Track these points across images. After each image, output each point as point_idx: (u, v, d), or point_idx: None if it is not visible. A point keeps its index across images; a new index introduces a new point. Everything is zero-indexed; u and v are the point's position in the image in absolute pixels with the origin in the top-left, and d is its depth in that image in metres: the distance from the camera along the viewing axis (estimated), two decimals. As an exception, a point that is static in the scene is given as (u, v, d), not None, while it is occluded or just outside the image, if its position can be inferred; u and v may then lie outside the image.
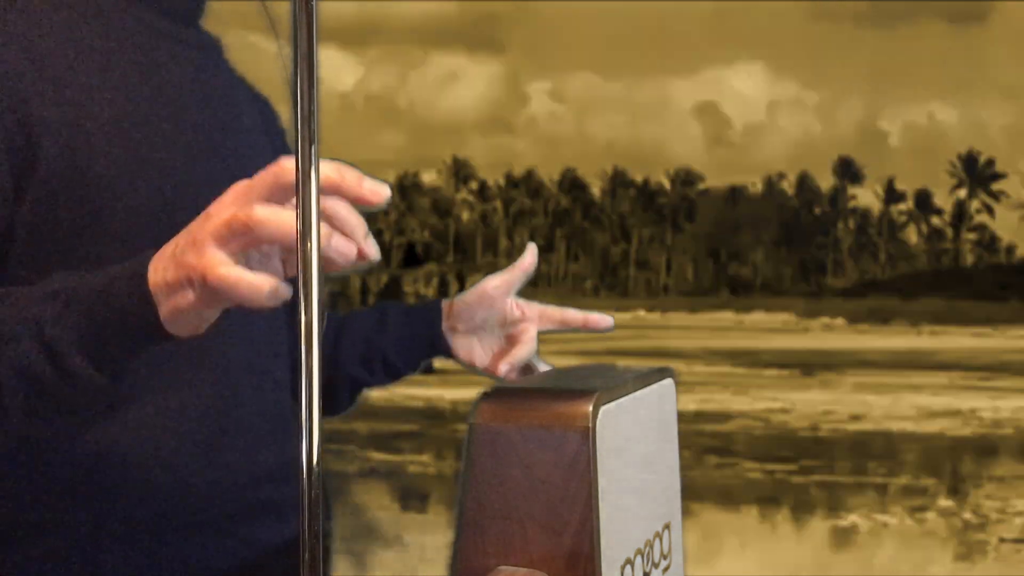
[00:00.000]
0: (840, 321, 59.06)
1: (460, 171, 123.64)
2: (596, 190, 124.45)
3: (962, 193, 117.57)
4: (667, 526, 0.98)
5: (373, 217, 0.85)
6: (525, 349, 1.33)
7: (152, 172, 1.09)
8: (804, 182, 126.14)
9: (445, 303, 1.37)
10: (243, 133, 1.23)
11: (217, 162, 1.17)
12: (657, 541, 0.94)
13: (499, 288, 1.33)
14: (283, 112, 1.37)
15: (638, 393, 0.91)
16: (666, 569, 0.96)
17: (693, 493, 8.99)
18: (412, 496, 9.59)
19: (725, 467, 11.11)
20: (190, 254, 0.83)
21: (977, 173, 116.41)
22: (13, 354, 0.89)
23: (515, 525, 0.79)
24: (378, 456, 11.41)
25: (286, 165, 0.81)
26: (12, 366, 0.90)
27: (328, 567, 1.18)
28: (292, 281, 0.81)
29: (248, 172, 0.91)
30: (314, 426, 0.71)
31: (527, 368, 1.34)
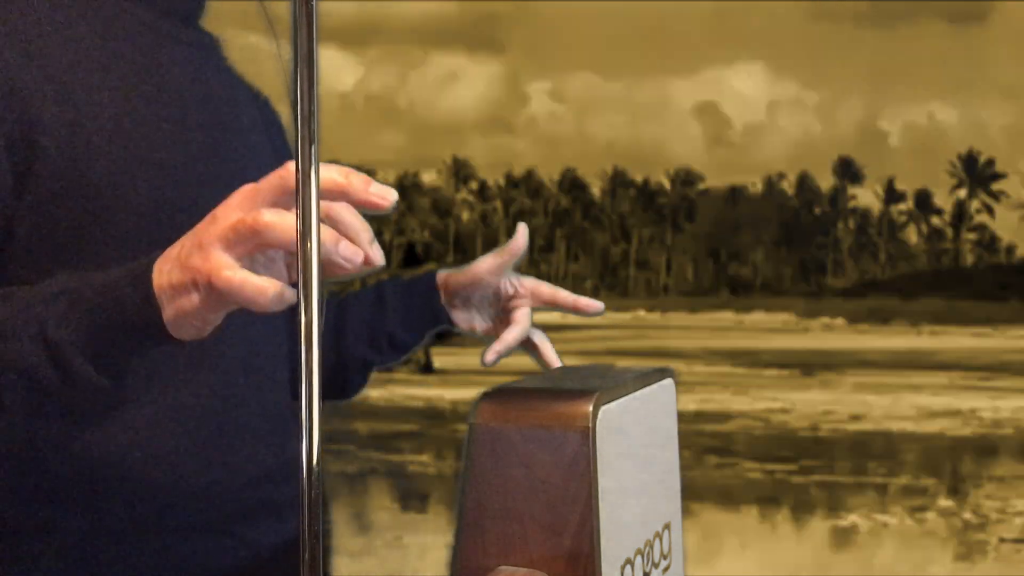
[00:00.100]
0: (840, 321, 59.07)
1: (460, 171, 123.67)
2: (596, 190, 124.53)
3: (962, 193, 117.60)
4: (667, 526, 0.98)
5: (373, 217, 0.85)
6: (517, 331, 1.33)
7: (152, 172, 1.09)
8: (804, 182, 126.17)
9: (440, 275, 1.38)
10: (243, 133, 1.23)
11: (217, 162, 1.17)
12: (657, 541, 0.94)
13: (491, 271, 1.34)
14: (283, 112, 1.37)
15: (638, 393, 0.91)
16: (666, 569, 0.96)
17: (693, 493, 8.99)
18: (412, 496, 9.59)
19: (725, 467, 11.11)
20: (196, 257, 0.83)
21: (977, 173, 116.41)
22: (15, 354, 0.89)
23: (515, 525, 0.79)
24: (378, 456, 11.41)
25: (292, 168, 0.81)
26: (14, 366, 0.90)
27: (328, 567, 1.18)
28: (295, 286, 0.81)
29: (248, 172, 0.91)
30: (314, 426, 0.71)
31: (528, 344, 1.35)
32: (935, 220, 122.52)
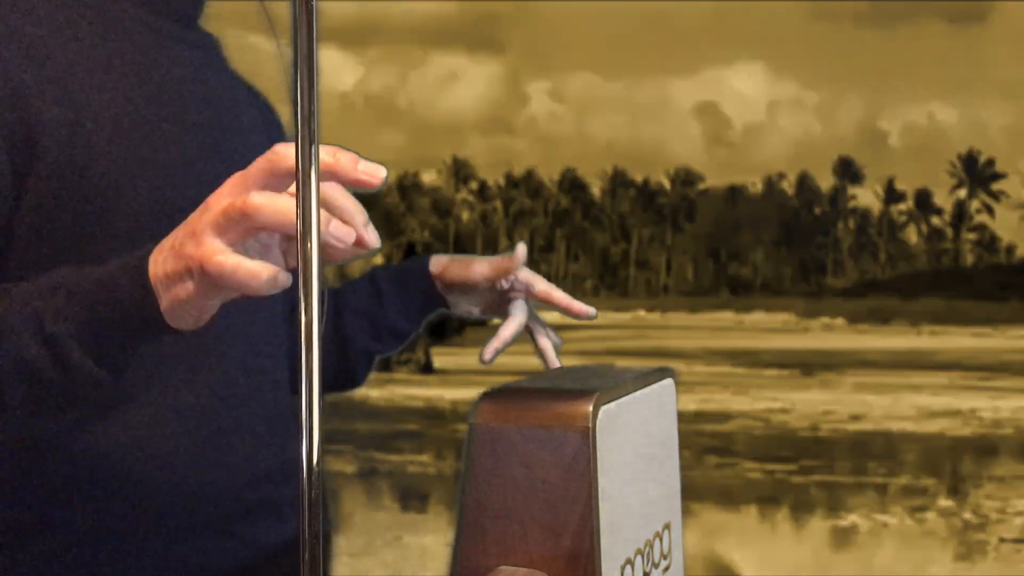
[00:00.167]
0: (840, 321, 59.08)
1: (460, 171, 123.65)
2: (596, 190, 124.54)
3: (962, 193, 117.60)
4: (667, 526, 0.98)
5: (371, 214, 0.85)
6: (513, 326, 1.35)
7: (152, 172, 1.09)
8: (804, 182, 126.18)
9: (435, 264, 1.39)
10: (243, 132, 1.23)
11: (217, 162, 1.17)
12: (657, 541, 0.94)
13: (486, 279, 1.36)
14: (283, 112, 1.37)
15: (638, 393, 0.91)
16: (666, 569, 0.96)
17: (693, 493, 8.99)
18: (412, 496, 9.59)
19: (725, 467, 11.11)
20: (189, 245, 0.83)
21: (977, 173, 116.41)
22: (13, 348, 0.89)
23: (515, 525, 0.79)
24: (378, 456, 11.41)
25: (280, 151, 0.81)
26: (12, 361, 0.90)
27: (328, 567, 1.18)
28: (292, 272, 0.81)
29: (248, 172, 0.91)
30: (314, 426, 0.71)
31: (529, 334, 1.36)
32: (935, 220, 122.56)
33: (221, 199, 0.82)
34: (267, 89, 1.35)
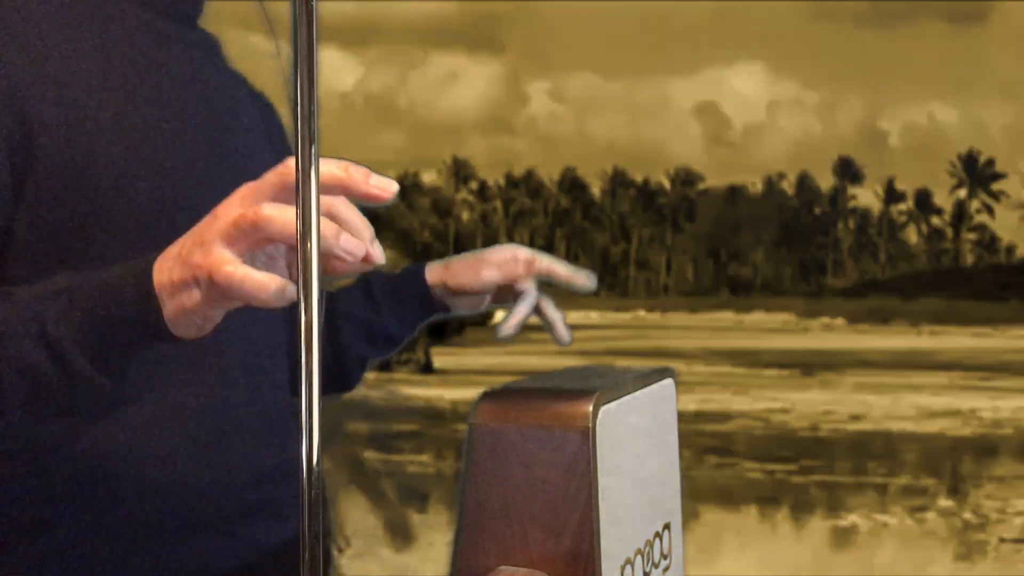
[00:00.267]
0: (840, 321, 59.05)
1: (460, 171, 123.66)
2: (596, 190, 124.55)
3: (962, 193, 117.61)
4: (667, 526, 0.98)
5: (372, 217, 0.85)
6: (527, 304, 1.33)
7: (152, 172, 1.09)
8: (804, 182, 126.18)
9: (433, 273, 1.37)
10: (243, 132, 1.23)
11: (217, 162, 1.17)
12: (657, 541, 0.94)
13: (492, 282, 1.34)
14: (283, 112, 1.37)
15: (638, 393, 0.91)
16: (666, 569, 0.96)
17: (693, 493, 8.99)
18: (412, 496, 9.59)
19: (725, 467, 11.11)
20: (197, 254, 0.83)
21: (977, 173, 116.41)
22: (15, 353, 0.89)
23: (515, 525, 0.79)
24: (378, 456, 11.40)
25: (292, 165, 0.81)
26: (14, 365, 0.90)
27: (328, 567, 1.18)
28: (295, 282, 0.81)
29: (248, 171, 0.91)
30: (314, 426, 0.71)
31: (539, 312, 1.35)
32: (935, 220, 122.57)
33: (231, 209, 0.82)
34: (267, 89, 1.35)
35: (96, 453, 1.07)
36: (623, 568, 0.84)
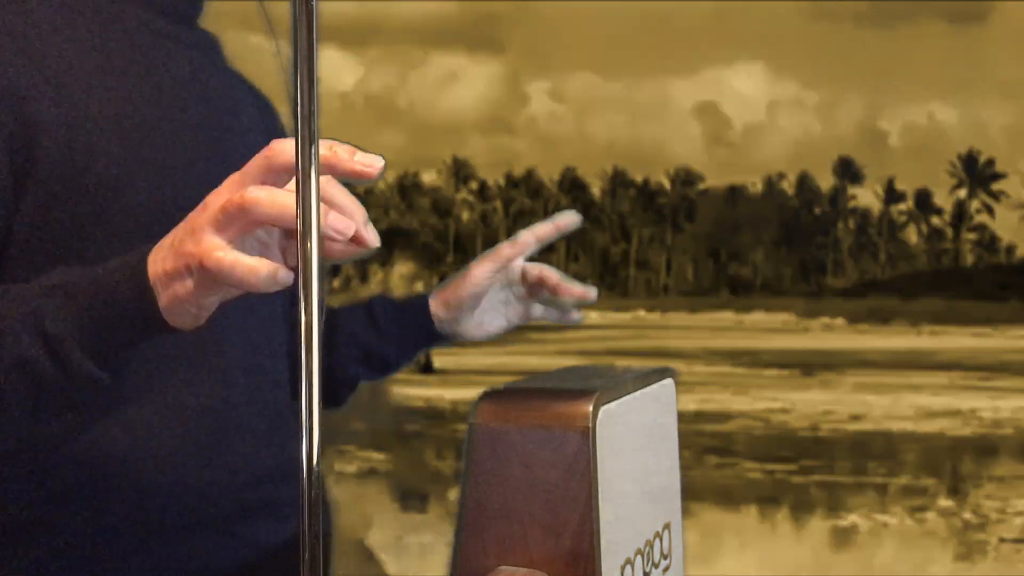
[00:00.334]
0: (840, 321, 59.06)
1: (460, 171, 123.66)
2: (596, 190, 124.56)
3: (962, 193, 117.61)
4: (667, 526, 0.98)
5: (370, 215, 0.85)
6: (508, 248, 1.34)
7: (152, 172, 1.09)
8: (804, 182, 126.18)
9: (435, 298, 1.37)
10: (243, 132, 1.23)
11: (217, 162, 1.16)
12: (657, 541, 0.94)
13: (486, 277, 1.34)
14: (283, 112, 1.37)
15: (638, 393, 0.91)
16: (666, 569, 0.96)
17: (693, 493, 8.98)
18: (412, 496, 9.58)
19: (725, 467, 11.11)
20: (188, 242, 0.83)
21: (977, 173, 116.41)
22: (13, 349, 0.89)
23: (515, 525, 0.79)
24: (378, 456, 11.40)
25: (277, 147, 0.80)
26: (12, 361, 0.90)
27: (328, 567, 1.18)
28: (292, 270, 0.81)
29: (248, 171, 0.91)
30: (314, 426, 0.71)
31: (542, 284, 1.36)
32: (935, 220, 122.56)
33: (220, 197, 0.82)
34: (267, 89, 1.34)
35: (96, 453, 1.07)
36: (623, 568, 0.84)
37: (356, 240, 0.82)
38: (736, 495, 9.76)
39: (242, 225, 0.80)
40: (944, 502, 9.36)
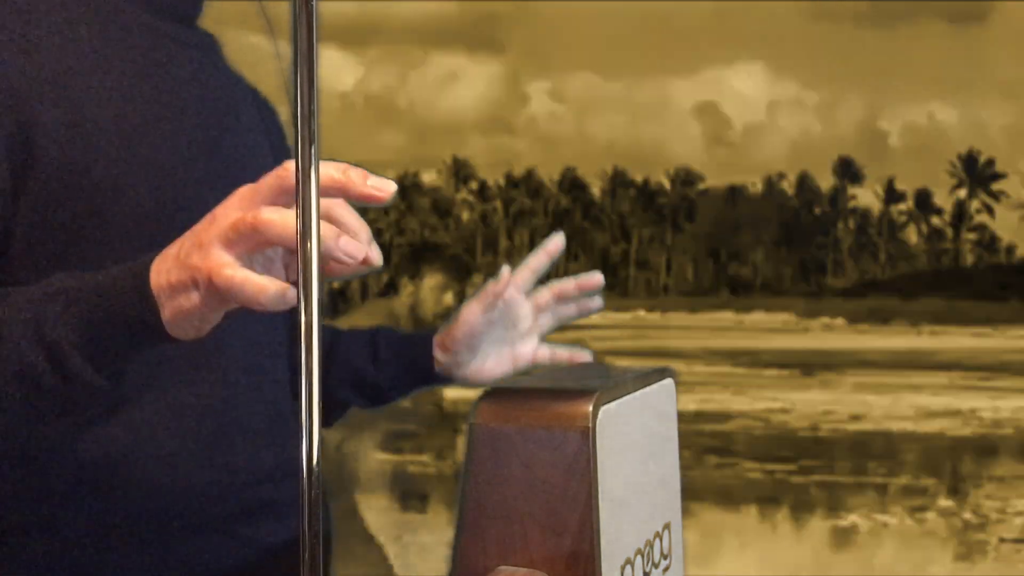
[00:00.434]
0: (840, 321, 59.04)
1: (460, 171, 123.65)
2: (596, 190, 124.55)
3: (962, 193, 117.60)
4: (667, 526, 0.98)
5: (372, 216, 0.85)
6: (533, 341, 1.34)
7: (152, 172, 1.09)
8: (804, 182, 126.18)
9: (438, 338, 1.36)
10: (242, 132, 1.23)
11: (217, 162, 1.17)
12: (657, 541, 0.94)
13: (480, 314, 1.32)
14: (283, 112, 1.37)
15: (638, 393, 0.91)
16: (666, 569, 0.96)
17: (693, 493, 8.98)
18: (412, 496, 9.58)
19: (725, 467, 11.10)
20: (195, 256, 0.83)
21: (977, 173, 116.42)
22: (13, 355, 0.89)
23: (515, 525, 0.79)
24: (378, 456, 11.40)
25: (290, 167, 0.81)
26: (11, 367, 0.89)
27: (328, 567, 1.18)
28: (294, 284, 0.81)
29: (248, 171, 0.91)
30: (314, 426, 0.71)
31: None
32: (935, 220, 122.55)
33: (229, 211, 0.82)
34: (267, 89, 1.34)
35: (97, 453, 1.07)
36: (623, 568, 0.84)
37: (362, 260, 0.82)
38: (736, 495, 9.76)
39: (252, 245, 0.81)
40: (944, 502, 9.35)
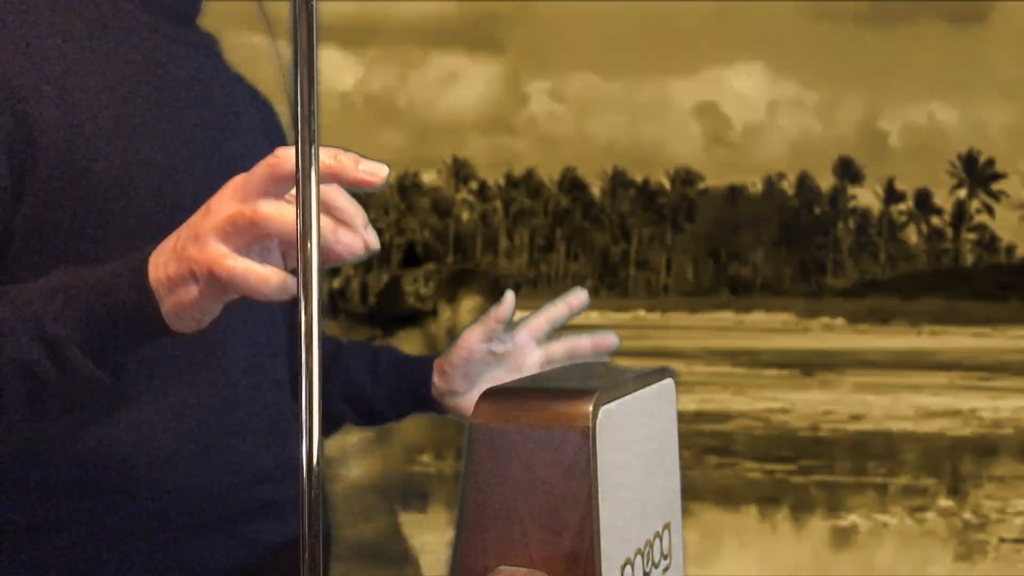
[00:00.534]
0: (840, 321, 59.05)
1: (460, 171, 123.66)
2: (596, 190, 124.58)
3: (962, 193, 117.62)
4: (667, 526, 0.98)
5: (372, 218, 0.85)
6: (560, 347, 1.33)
7: (151, 172, 1.09)
8: (804, 182, 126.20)
9: (437, 362, 1.35)
10: (242, 132, 1.23)
11: (217, 162, 1.17)
12: (657, 541, 0.94)
13: (479, 339, 1.31)
14: (283, 112, 1.37)
15: (638, 393, 0.91)
16: (666, 569, 0.96)
17: (693, 493, 8.98)
18: (412, 496, 9.58)
19: (725, 467, 11.11)
20: (192, 248, 0.83)
21: (977, 173, 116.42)
22: (13, 351, 0.89)
23: (515, 525, 0.79)
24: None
25: (281, 155, 0.81)
26: (12, 363, 0.90)
27: (328, 567, 1.18)
28: (292, 273, 0.81)
29: (248, 171, 0.91)
30: (314, 426, 0.71)
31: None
32: (935, 220, 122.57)
33: (223, 203, 0.82)
34: (267, 89, 1.35)
35: (97, 453, 1.07)
36: (623, 568, 0.84)
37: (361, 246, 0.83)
38: (736, 495, 9.77)
39: (250, 238, 0.81)
40: (944, 502, 9.36)
